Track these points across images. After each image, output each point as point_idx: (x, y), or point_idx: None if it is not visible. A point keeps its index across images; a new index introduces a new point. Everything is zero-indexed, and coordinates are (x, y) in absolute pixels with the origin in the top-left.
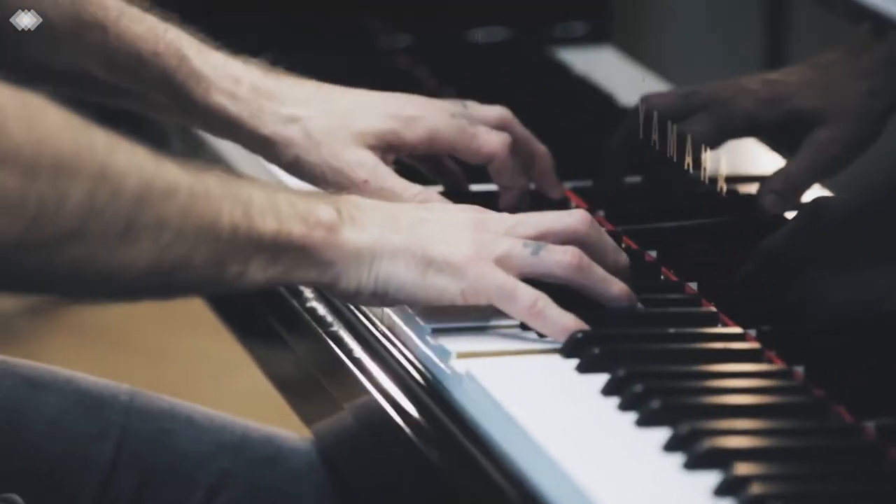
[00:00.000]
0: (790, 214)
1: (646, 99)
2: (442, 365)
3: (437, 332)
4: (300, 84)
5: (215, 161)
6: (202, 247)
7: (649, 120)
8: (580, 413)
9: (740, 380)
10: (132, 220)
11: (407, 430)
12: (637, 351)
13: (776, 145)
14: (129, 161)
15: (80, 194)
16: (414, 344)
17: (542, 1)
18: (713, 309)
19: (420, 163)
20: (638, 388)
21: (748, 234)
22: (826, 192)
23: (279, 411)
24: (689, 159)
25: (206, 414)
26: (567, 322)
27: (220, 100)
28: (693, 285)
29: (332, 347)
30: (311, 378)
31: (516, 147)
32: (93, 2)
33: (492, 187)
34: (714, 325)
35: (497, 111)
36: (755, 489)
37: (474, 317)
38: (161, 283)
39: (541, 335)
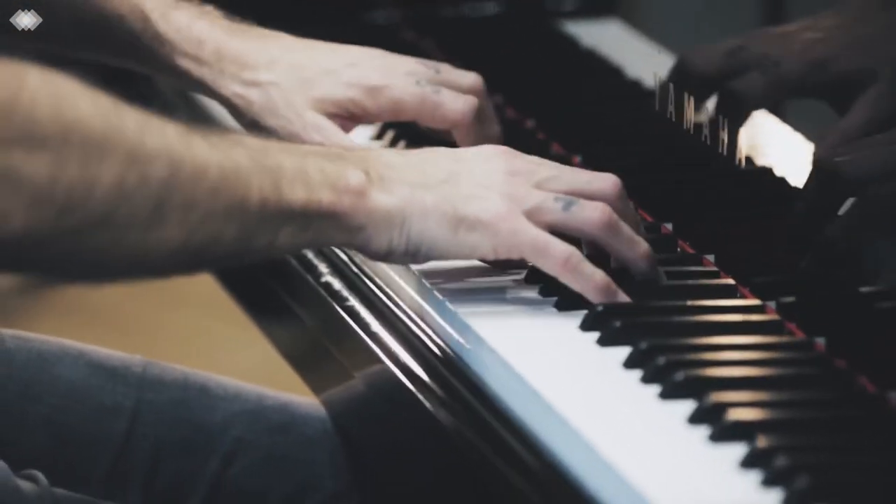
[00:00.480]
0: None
1: (686, 56)
2: (459, 337)
3: (453, 301)
4: (266, 45)
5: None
6: (232, 223)
7: (665, 91)
8: (603, 386)
9: (762, 352)
10: (161, 204)
11: (425, 401)
12: (658, 324)
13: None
14: (159, 143)
15: (110, 180)
16: (430, 316)
17: None
18: (731, 281)
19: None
20: (661, 360)
21: (766, 205)
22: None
23: (277, 388)
24: (707, 130)
25: (219, 383)
26: (599, 279)
27: (184, 62)
28: (710, 258)
29: (345, 319)
30: (321, 348)
31: (482, 115)
32: None
33: None
34: (733, 297)
35: (470, 79)
36: (781, 461)
37: (485, 279)
38: (189, 261)
39: (550, 297)
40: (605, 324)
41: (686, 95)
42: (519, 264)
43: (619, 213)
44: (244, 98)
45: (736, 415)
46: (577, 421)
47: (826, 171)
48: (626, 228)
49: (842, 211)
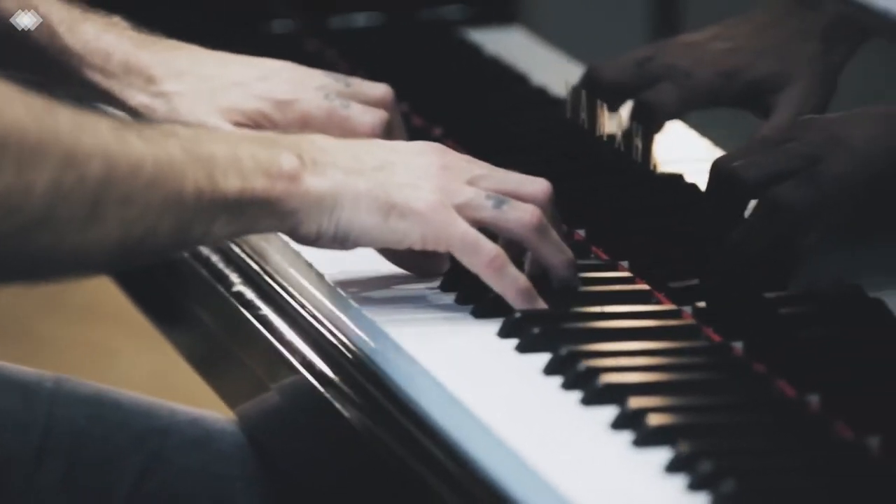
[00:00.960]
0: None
1: (597, 68)
2: (376, 345)
3: (369, 309)
4: (175, 57)
5: None
6: (168, 216)
7: (577, 98)
8: (524, 392)
9: (680, 357)
10: (98, 202)
11: (342, 410)
12: (576, 330)
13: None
14: (94, 142)
15: (47, 182)
16: (345, 324)
17: None
18: (646, 287)
19: None
20: (582, 366)
21: (678, 211)
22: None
23: (185, 399)
24: (619, 138)
25: (132, 398)
26: (522, 283)
27: (91, 75)
28: (625, 264)
29: (259, 329)
30: (235, 360)
31: (391, 127)
32: None
33: None
34: (648, 302)
35: (380, 91)
36: (705, 465)
37: (400, 288)
38: (127, 256)
39: (466, 304)
40: (524, 330)
41: (598, 103)
42: (432, 270)
43: (548, 217)
44: (149, 108)
45: (658, 420)
46: (500, 428)
47: (724, 174)
48: (554, 234)
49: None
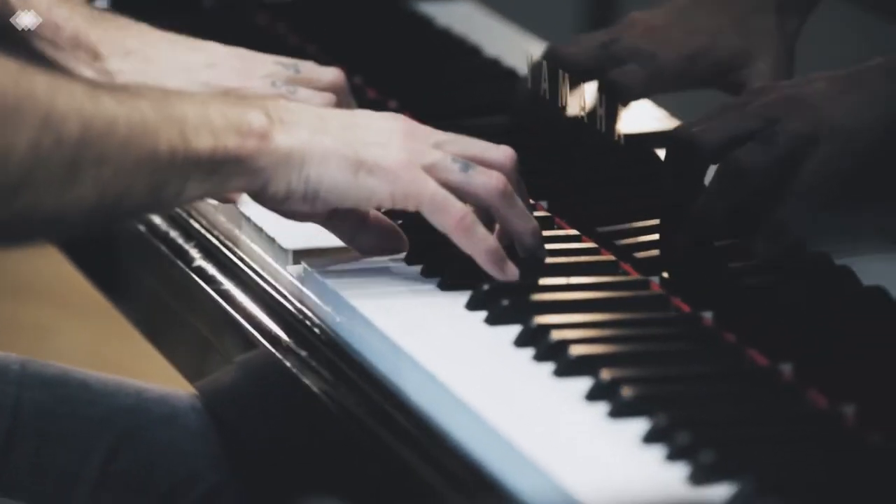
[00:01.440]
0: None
1: (555, 49)
2: (342, 318)
3: (335, 283)
4: (125, 36)
5: None
6: (142, 175)
7: (538, 70)
8: (496, 365)
9: (651, 327)
10: (75, 163)
11: (311, 385)
12: (546, 302)
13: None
14: (70, 103)
15: (25, 145)
16: (310, 299)
17: None
18: (612, 258)
19: None
20: (553, 338)
21: (642, 181)
22: None
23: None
24: (583, 110)
25: (99, 378)
26: (492, 242)
27: (41, 45)
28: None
29: (221, 304)
30: (197, 336)
31: (342, 105)
32: None
33: None
34: (615, 273)
35: (332, 75)
36: (683, 436)
37: (365, 262)
38: (103, 218)
39: (432, 277)
40: (493, 303)
41: (560, 74)
42: (391, 248)
43: (513, 184)
44: None
45: (632, 391)
46: (473, 400)
47: (682, 141)
48: (519, 201)
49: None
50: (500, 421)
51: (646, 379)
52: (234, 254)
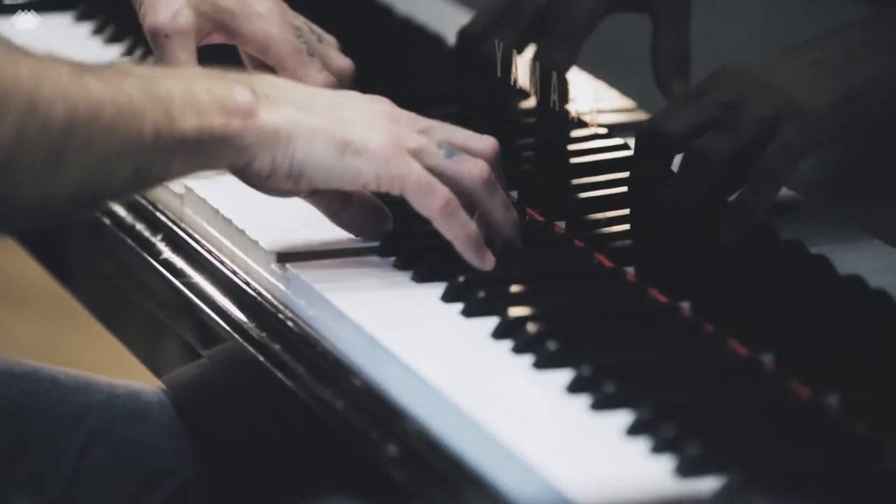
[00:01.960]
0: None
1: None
2: (315, 311)
3: (308, 276)
4: None
5: None
6: (128, 157)
7: (507, 58)
8: (474, 358)
9: (630, 318)
10: (60, 148)
11: (286, 380)
12: (522, 293)
13: None
14: (55, 88)
15: (10, 131)
16: (281, 291)
17: None
18: (584, 247)
19: (250, 68)
20: (531, 329)
21: (614, 170)
22: None
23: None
24: (555, 98)
25: (69, 374)
26: (473, 229)
27: None
28: (561, 225)
29: (189, 297)
30: (165, 330)
31: None
32: None
33: None
34: (589, 263)
35: (343, 61)
36: (668, 428)
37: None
38: (88, 202)
39: (406, 269)
40: (468, 294)
41: (536, 65)
42: (373, 229)
43: (496, 174)
44: None
45: (614, 383)
46: (453, 394)
47: (647, 132)
48: (501, 191)
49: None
50: (480, 414)
51: (627, 371)
52: (203, 246)
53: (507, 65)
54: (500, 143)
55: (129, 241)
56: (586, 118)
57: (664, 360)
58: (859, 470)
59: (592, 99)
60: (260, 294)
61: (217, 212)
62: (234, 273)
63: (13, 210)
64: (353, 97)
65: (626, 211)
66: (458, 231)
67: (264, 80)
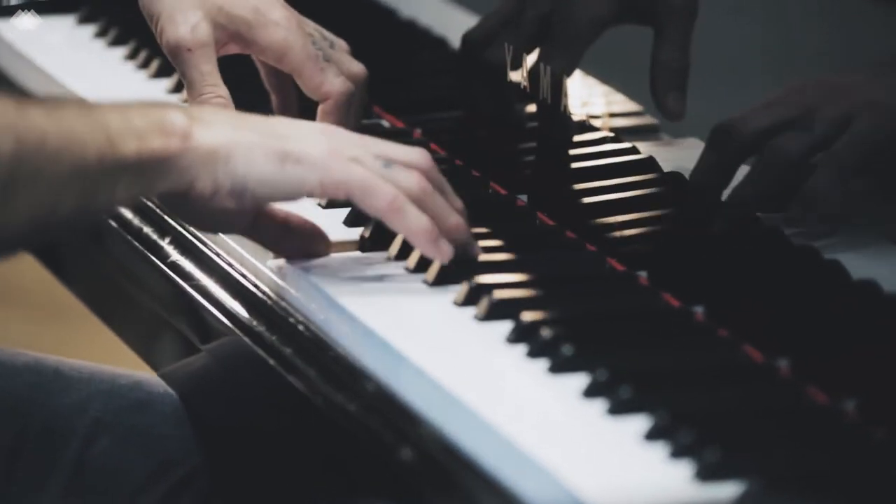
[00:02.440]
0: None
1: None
2: (327, 315)
3: (318, 278)
4: None
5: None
6: (73, 186)
7: (517, 58)
8: (489, 363)
9: (644, 322)
10: (10, 180)
11: (297, 382)
12: (534, 297)
13: None
14: (2, 120)
15: None
16: (290, 293)
17: None
18: (596, 251)
19: (265, 76)
20: (546, 334)
21: (623, 174)
22: None
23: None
24: (565, 99)
25: (72, 365)
26: (425, 222)
27: None
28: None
29: (196, 298)
30: (166, 325)
31: (351, 103)
32: None
33: None
34: (602, 267)
35: (357, 67)
36: (686, 433)
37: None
38: (35, 233)
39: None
40: (482, 298)
41: (542, 68)
42: (317, 247)
43: (434, 184)
44: None
45: (631, 388)
46: (467, 397)
47: (721, 131)
48: (439, 199)
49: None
50: (495, 418)
51: (643, 375)
52: (211, 249)
53: (516, 68)
54: (509, 146)
55: (136, 243)
56: (595, 122)
57: (679, 365)
58: (877, 474)
59: (601, 103)
60: (269, 297)
61: None
62: (244, 276)
63: None
64: (284, 119)
65: (639, 215)
66: (410, 225)
67: (194, 107)
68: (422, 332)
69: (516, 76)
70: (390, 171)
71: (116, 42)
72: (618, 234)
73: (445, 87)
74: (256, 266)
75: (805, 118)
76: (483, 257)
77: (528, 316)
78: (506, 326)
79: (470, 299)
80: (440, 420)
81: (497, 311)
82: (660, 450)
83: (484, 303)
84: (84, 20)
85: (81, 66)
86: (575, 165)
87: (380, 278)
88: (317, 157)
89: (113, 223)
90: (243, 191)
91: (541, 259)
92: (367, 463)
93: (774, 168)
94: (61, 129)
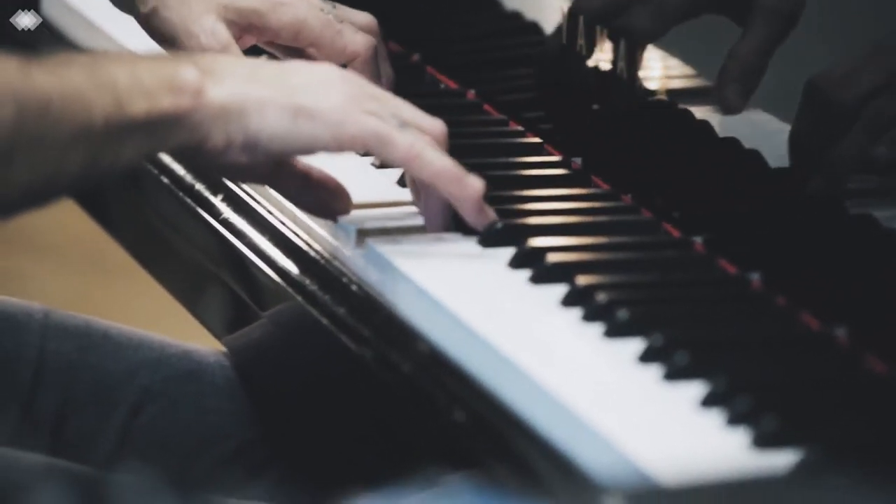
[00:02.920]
0: None
1: (576, 4)
2: (382, 275)
3: (373, 240)
4: None
5: None
6: (77, 149)
7: (573, 23)
8: (545, 326)
9: (700, 289)
10: (11, 145)
11: (350, 343)
12: (589, 261)
13: None
14: (4, 86)
15: None
16: (342, 253)
17: None
18: (651, 217)
19: (283, 54)
20: (602, 298)
21: (677, 137)
22: None
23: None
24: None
25: (121, 330)
26: (447, 162)
27: None
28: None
29: (248, 256)
30: (225, 290)
31: (377, 54)
32: None
33: None
34: (656, 232)
35: (366, 17)
36: (744, 400)
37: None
38: (39, 195)
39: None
40: (537, 261)
41: (595, 28)
42: (339, 205)
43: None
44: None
45: (688, 353)
46: (522, 360)
47: (820, 89)
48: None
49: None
50: (550, 382)
51: (698, 342)
52: (263, 207)
53: (573, 31)
54: (564, 109)
55: (188, 200)
56: (651, 85)
57: (735, 332)
58: None
59: (657, 66)
60: (322, 256)
61: None
62: (296, 234)
63: None
64: (299, 64)
65: (693, 180)
66: (432, 168)
67: (206, 58)
68: (475, 293)
69: (574, 38)
70: (402, 132)
71: None
72: (673, 199)
73: (501, 48)
74: (309, 224)
75: None
76: (537, 220)
77: (583, 279)
78: (560, 290)
79: (523, 262)
80: (494, 382)
81: (551, 274)
82: (716, 417)
83: (538, 266)
84: None
85: (130, 19)
86: (630, 129)
87: (433, 239)
88: (330, 112)
89: (165, 179)
90: (256, 146)
91: (596, 223)
92: (419, 425)
93: (874, 131)
94: (66, 90)
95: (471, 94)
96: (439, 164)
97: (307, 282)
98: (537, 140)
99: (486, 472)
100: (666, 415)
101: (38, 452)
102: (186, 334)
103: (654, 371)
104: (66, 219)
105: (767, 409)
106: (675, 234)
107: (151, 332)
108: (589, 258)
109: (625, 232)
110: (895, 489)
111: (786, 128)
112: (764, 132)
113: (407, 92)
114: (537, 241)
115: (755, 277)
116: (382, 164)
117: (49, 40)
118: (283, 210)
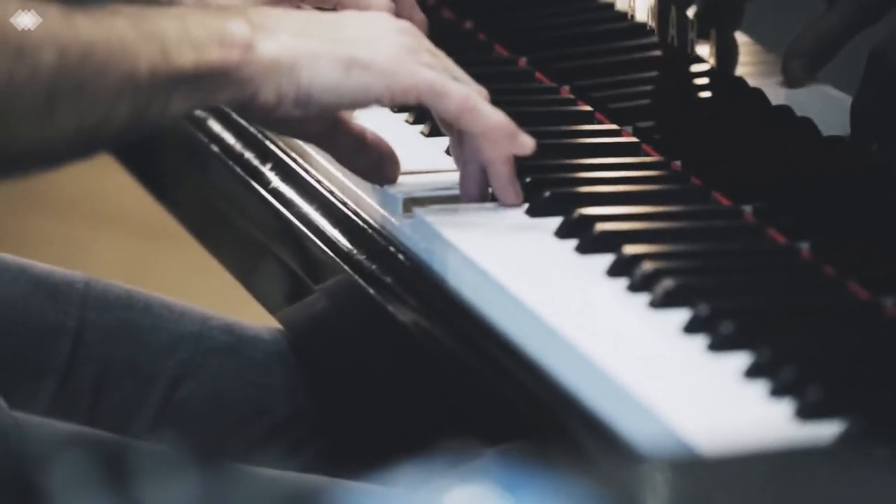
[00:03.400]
0: None
1: None
2: (429, 245)
3: (420, 209)
4: None
5: None
6: (123, 98)
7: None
8: (589, 295)
9: (747, 258)
10: (52, 92)
11: (396, 313)
12: (636, 231)
13: None
14: (45, 30)
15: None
16: (391, 223)
17: None
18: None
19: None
20: (646, 268)
21: (726, 105)
22: None
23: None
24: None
25: (162, 302)
26: (501, 117)
27: None
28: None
29: (296, 225)
30: (278, 264)
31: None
32: None
33: None
34: (707, 202)
35: None
36: (788, 371)
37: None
38: (85, 145)
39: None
40: (583, 231)
41: (688, 21)
42: (390, 171)
43: None
44: None
45: (734, 323)
46: (565, 329)
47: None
48: None
49: None
50: (594, 351)
51: (744, 312)
52: (313, 176)
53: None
54: (617, 78)
55: (237, 169)
56: (703, 54)
57: (782, 302)
58: None
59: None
60: (370, 225)
61: None
62: (345, 204)
63: (9, 155)
64: (352, 16)
65: (744, 149)
66: (487, 122)
67: (258, 11)
68: (521, 263)
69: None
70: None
71: None
72: (723, 167)
73: (553, 17)
74: (357, 192)
75: None
76: (586, 188)
77: (629, 249)
78: (606, 259)
79: (570, 231)
80: (538, 352)
81: (598, 244)
82: (760, 387)
83: (585, 235)
84: None
85: None
86: (682, 97)
87: (480, 208)
88: (384, 63)
89: (214, 147)
90: (308, 100)
91: (644, 192)
92: (463, 395)
93: None
94: (111, 39)
95: (522, 61)
96: (494, 118)
97: (355, 251)
98: (588, 108)
99: (531, 443)
100: (710, 386)
101: (73, 423)
102: (241, 309)
103: (699, 342)
104: (130, 189)
105: (812, 380)
106: (725, 202)
107: (193, 305)
108: (636, 227)
109: (674, 201)
110: None
111: (842, 96)
112: (816, 99)
113: (459, 59)
114: (585, 211)
115: (804, 247)
116: (432, 132)
117: None
118: (331, 179)
